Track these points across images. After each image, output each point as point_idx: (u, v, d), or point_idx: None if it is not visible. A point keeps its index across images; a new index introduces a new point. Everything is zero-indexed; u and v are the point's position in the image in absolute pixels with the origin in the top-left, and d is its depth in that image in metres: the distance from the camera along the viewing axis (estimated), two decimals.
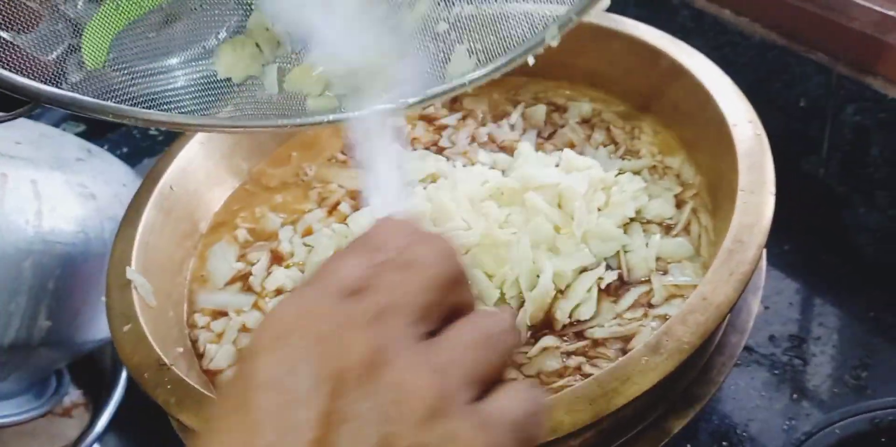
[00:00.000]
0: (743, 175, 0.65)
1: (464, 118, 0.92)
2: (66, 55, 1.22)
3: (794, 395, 0.80)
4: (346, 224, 0.81)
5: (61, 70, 1.22)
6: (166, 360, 0.63)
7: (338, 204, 0.85)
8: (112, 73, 1.25)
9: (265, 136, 0.91)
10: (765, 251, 0.71)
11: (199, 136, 0.84)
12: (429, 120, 0.93)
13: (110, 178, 0.89)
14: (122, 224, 0.76)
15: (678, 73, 0.76)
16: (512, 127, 0.89)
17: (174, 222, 0.80)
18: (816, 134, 0.91)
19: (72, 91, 0.64)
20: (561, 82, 0.91)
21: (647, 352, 0.55)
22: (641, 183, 0.76)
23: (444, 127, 0.91)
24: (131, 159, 1.15)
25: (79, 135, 1.25)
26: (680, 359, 0.55)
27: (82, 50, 1.24)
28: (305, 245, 0.80)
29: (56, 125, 1.20)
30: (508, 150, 0.86)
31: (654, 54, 0.79)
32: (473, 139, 0.89)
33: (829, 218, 0.94)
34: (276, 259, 0.80)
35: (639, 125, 0.84)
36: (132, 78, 1.25)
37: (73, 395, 0.95)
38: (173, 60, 1.24)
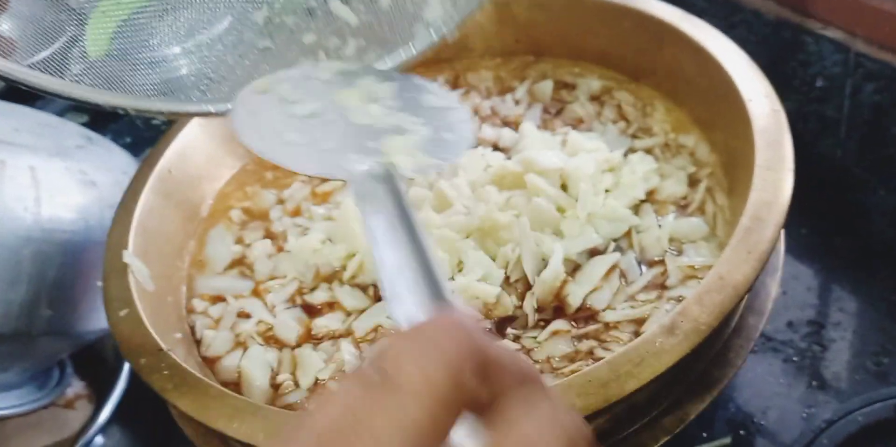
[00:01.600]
0: (760, 151, 0.62)
1: (467, 93, 0.90)
2: (69, 45, 1.20)
3: (814, 383, 0.77)
4: (331, 202, 0.80)
5: (64, 60, 1.20)
6: (163, 346, 0.61)
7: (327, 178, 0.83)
8: (114, 62, 1.23)
9: None
10: (783, 233, 0.69)
11: (199, 119, 0.82)
12: None
13: (111, 165, 0.87)
14: (119, 208, 0.74)
15: (691, 49, 0.74)
16: (517, 102, 0.86)
17: (173, 206, 0.78)
18: (833, 114, 0.89)
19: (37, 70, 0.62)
20: (570, 61, 0.89)
21: (661, 333, 0.53)
22: (653, 163, 0.73)
23: None
24: (134, 149, 1.12)
25: (83, 125, 1.24)
26: (696, 340, 0.52)
27: (85, 39, 1.23)
28: (296, 225, 0.79)
29: (59, 115, 1.18)
30: (513, 124, 0.84)
31: (666, 30, 0.76)
32: (476, 112, 0.87)
33: (846, 201, 0.91)
34: (271, 238, 0.78)
35: (651, 102, 0.81)
36: (134, 67, 1.24)
37: (76, 387, 0.93)
38: (176, 49, 1.22)
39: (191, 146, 0.81)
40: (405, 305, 0.38)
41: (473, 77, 0.91)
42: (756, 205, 0.59)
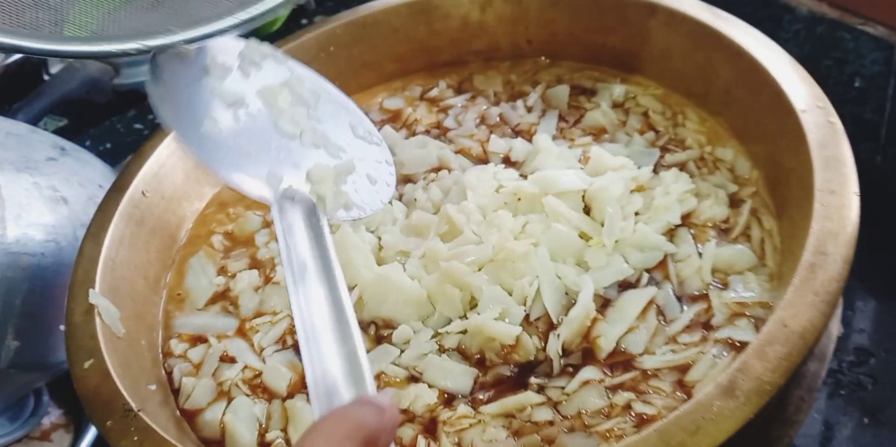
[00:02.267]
0: (819, 171, 0.54)
1: (473, 98, 0.82)
2: None
3: (865, 419, 0.70)
4: None
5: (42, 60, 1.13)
6: (133, 405, 0.53)
7: None
8: (94, 62, 1.17)
9: None
10: None
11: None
12: (432, 101, 0.83)
13: (85, 179, 0.81)
14: (84, 239, 0.66)
15: (729, 51, 0.66)
16: (529, 109, 0.78)
17: (148, 234, 0.70)
18: (873, 117, 0.83)
19: None
20: (588, 64, 0.80)
21: (718, 395, 0.45)
22: (688, 183, 0.65)
23: (450, 107, 0.81)
24: (114, 156, 1.06)
25: (60, 129, 1.17)
26: (760, 403, 0.44)
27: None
28: None
29: (37, 120, 1.11)
30: (526, 134, 0.76)
31: (699, 30, 0.69)
32: (483, 120, 0.79)
33: (889, 211, 0.83)
34: (258, 268, 0.70)
35: (681, 111, 0.73)
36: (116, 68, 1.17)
37: (53, 416, 0.87)
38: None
39: (167, 163, 0.73)
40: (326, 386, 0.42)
41: (480, 80, 0.83)
42: (819, 236, 0.51)
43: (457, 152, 0.75)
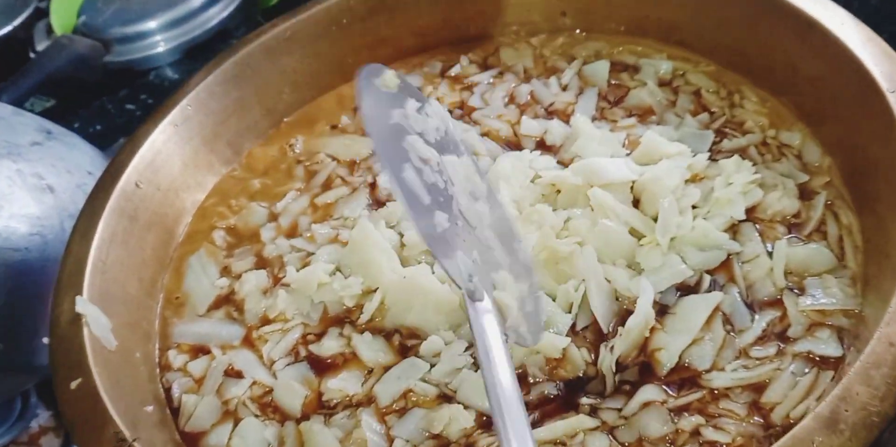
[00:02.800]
0: None
1: (500, 75, 0.75)
2: (33, 20, 1.07)
3: None
4: (335, 217, 0.66)
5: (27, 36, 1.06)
6: (127, 434, 0.47)
7: (329, 184, 0.69)
8: (83, 39, 1.10)
9: (258, 114, 0.73)
10: None
11: (174, 116, 0.67)
12: (454, 79, 0.76)
13: (73, 165, 0.77)
14: (71, 237, 0.60)
15: (797, 22, 0.60)
16: (564, 87, 0.72)
17: (142, 230, 0.64)
18: None
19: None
20: (629, 37, 0.73)
21: (819, 428, 0.38)
22: (752, 172, 0.58)
23: (475, 84, 0.75)
24: (105, 139, 1.01)
25: (48, 111, 1.13)
26: (868, 438, 0.38)
27: (50, 14, 1.08)
28: (295, 249, 0.64)
29: (22, 100, 1.05)
30: (561, 114, 0.69)
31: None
32: (512, 99, 0.72)
33: None
34: (265, 267, 0.64)
35: (737, 89, 0.66)
36: (106, 44, 1.11)
37: (42, 418, 0.83)
38: (152, 24, 1.08)
39: (163, 151, 0.67)
40: None
41: (509, 55, 0.76)
42: None
43: (483, 135, 0.69)
